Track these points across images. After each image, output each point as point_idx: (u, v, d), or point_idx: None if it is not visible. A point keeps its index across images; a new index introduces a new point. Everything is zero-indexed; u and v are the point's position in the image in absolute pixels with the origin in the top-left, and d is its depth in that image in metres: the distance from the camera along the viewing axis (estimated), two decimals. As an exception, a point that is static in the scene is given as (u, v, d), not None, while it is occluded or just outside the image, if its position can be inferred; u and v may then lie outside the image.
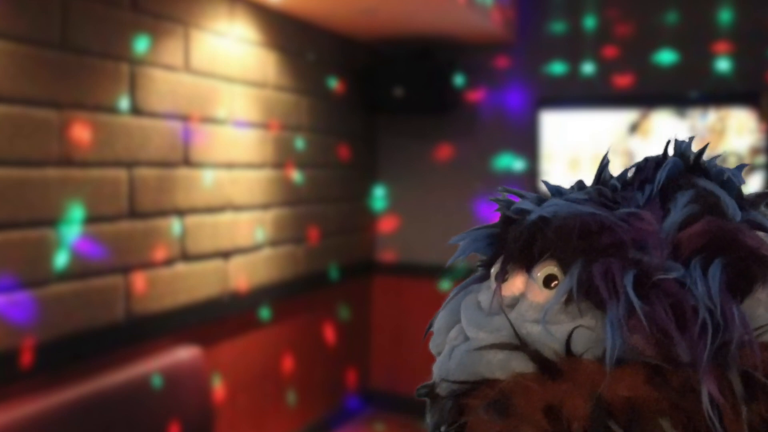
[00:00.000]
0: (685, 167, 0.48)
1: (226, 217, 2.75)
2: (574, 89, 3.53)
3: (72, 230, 2.10)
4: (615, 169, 0.53)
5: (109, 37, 2.21)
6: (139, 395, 2.21)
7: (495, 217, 0.53)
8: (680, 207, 0.45)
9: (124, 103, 2.26)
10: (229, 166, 2.76)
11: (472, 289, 0.52)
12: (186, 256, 2.53)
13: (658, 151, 0.51)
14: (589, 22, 3.50)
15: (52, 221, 2.04)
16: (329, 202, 3.51)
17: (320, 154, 3.40)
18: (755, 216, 0.45)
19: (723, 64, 3.27)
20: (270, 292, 3.02)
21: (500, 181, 3.67)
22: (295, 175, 3.20)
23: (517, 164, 3.68)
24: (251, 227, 2.90)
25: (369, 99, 3.72)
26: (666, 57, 3.37)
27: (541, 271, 0.47)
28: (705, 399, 0.38)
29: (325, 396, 3.57)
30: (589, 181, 0.52)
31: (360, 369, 3.91)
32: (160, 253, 2.41)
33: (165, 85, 2.42)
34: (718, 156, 0.51)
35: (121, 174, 2.27)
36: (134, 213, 2.31)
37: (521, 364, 0.43)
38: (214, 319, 2.69)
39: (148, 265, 2.36)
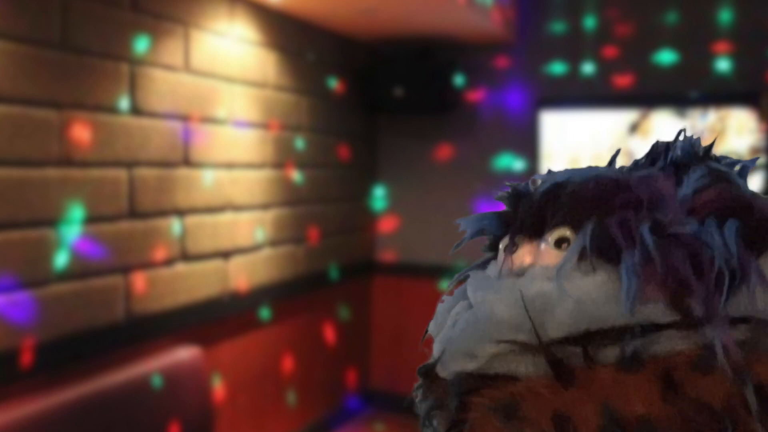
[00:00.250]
0: (695, 157, 0.48)
1: (226, 217, 2.75)
2: (574, 89, 3.53)
3: (72, 230, 2.09)
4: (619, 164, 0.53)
5: (109, 37, 2.20)
6: (139, 395, 2.21)
7: (500, 208, 0.52)
8: (693, 180, 0.45)
9: (124, 103, 2.26)
10: (229, 166, 2.76)
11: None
12: (186, 256, 2.53)
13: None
14: (589, 22, 3.50)
15: (52, 221, 2.04)
16: (329, 202, 3.51)
17: (320, 154, 3.40)
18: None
19: (723, 64, 3.27)
20: (270, 292, 3.02)
21: (500, 181, 3.67)
22: (295, 175, 3.20)
23: (517, 164, 3.68)
24: (251, 227, 2.90)
25: (369, 99, 3.72)
26: (666, 57, 3.37)
27: (552, 236, 0.45)
28: (719, 351, 0.38)
29: (325, 396, 3.57)
30: None
31: (360, 369, 3.91)
32: (160, 253, 2.41)
33: (165, 85, 2.42)
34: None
35: (121, 174, 2.27)
36: (134, 213, 2.31)
37: (533, 367, 0.42)
38: (214, 319, 2.69)
39: (148, 265, 2.36)
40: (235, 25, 2.78)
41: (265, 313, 3.00)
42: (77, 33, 2.10)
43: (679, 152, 0.47)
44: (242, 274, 2.84)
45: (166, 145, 2.44)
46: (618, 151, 0.53)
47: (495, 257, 0.51)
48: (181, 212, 2.51)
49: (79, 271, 2.12)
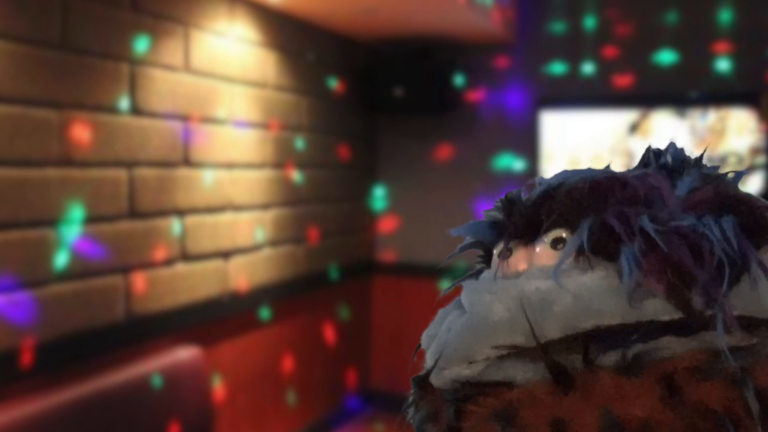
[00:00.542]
0: (687, 163, 0.48)
1: (226, 217, 2.75)
2: (574, 89, 3.53)
3: (72, 230, 2.09)
4: (616, 167, 0.53)
5: (109, 37, 2.20)
6: (139, 395, 2.21)
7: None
8: (687, 182, 0.45)
9: (124, 103, 2.26)
10: (229, 166, 2.76)
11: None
12: (186, 256, 2.53)
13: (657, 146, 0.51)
14: (589, 22, 3.50)
15: (52, 221, 2.04)
16: (329, 202, 3.51)
17: (320, 154, 3.40)
18: None
19: (723, 64, 3.26)
20: (270, 292, 3.02)
21: (500, 181, 3.67)
22: (295, 175, 3.20)
23: (517, 164, 3.68)
24: (251, 227, 2.90)
25: (369, 99, 3.72)
26: (666, 57, 3.37)
27: (548, 237, 0.45)
28: (722, 341, 0.38)
29: (325, 396, 3.57)
30: None
31: (360, 369, 3.91)
32: (160, 253, 2.41)
33: (165, 85, 2.42)
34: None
35: (121, 174, 2.27)
36: (134, 213, 2.31)
37: (531, 372, 0.41)
38: (214, 319, 2.69)
39: (148, 265, 2.36)
40: (235, 25, 2.78)
41: (265, 313, 3.00)
42: (77, 33, 2.10)
43: (670, 159, 0.47)
44: (242, 274, 2.84)
45: (166, 145, 2.44)
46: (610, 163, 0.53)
47: (488, 267, 0.50)
48: (181, 212, 2.51)
49: (79, 271, 2.12)
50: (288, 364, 3.21)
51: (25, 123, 1.95)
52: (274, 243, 3.05)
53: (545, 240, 0.45)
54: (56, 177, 2.05)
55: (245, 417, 2.93)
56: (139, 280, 2.33)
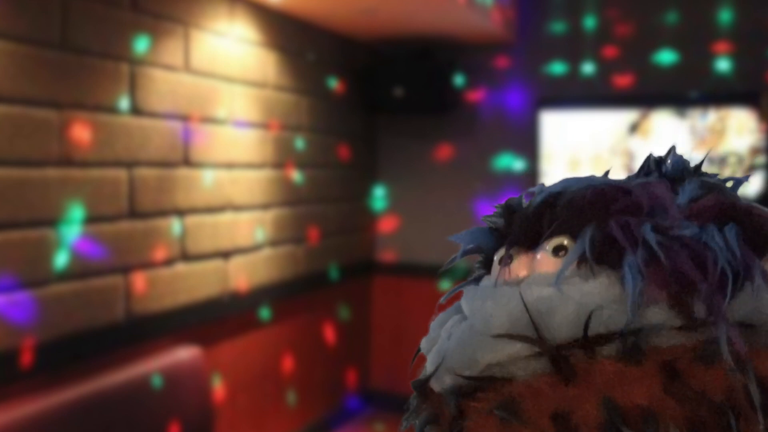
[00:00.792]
0: (687, 171, 0.48)
1: (226, 217, 2.75)
2: (574, 89, 3.53)
3: (72, 230, 2.09)
4: (616, 170, 0.53)
5: (109, 37, 2.21)
6: (139, 395, 2.21)
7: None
8: (688, 191, 0.45)
9: (124, 103, 2.26)
10: (229, 166, 2.76)
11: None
12: (186, 256, 2.53)
13: (658, 153, 0.51)
14: (589, 22, 3.50)
15: (52, 221, 2.04)
16: (329, 202, 3.51)
17: (320, 154, 3.40)
18: None
19: (723, 64, 3.27)
20: (270, 292, 3.02)
21: (500, 181, 3.67)
22: (295, 175, 3.20)
23: (517, 164, 3.68)
24: (251, 227, 2.90)
25: (369, 99, 3.72)
26: (666, 57, 3.37)
27: (549, 244, 0.45)
28: (724, 349, 0.38)
29: (325, 396, 3.57)
30: None
31: (360, 369, 3.91)
32: (160, 253, 2.41)
33: (165, 85, 2.42)
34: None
35: (121, 174, 2.27)
36: (134, 213, 2.31)
37: (532, 367, 0.41)
38: (214, 319, 2.69)
39: (148, 265, 2.36)
40: (235, 25, 2.78)
41: (265, 313, 3.00)
42: (77, 33, 2.10)
43: (670, 167, 0.48)
44: (242, 274, 2.84)
45: (166, 145, 2.44)
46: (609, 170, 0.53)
47: (488, 273, 0.50)
48: (181, 212, 2.51)
49: (79, 271, 2.12)
50: (288, 364, 3.21)
51: (25, 123, 1.95)
52: (274, 243, 3.05)
53: (546, 247, 0.45)
54: (56, 177, 2.05)
55: (245, 417, 2.93)
56: (139, 280, 2.34)
